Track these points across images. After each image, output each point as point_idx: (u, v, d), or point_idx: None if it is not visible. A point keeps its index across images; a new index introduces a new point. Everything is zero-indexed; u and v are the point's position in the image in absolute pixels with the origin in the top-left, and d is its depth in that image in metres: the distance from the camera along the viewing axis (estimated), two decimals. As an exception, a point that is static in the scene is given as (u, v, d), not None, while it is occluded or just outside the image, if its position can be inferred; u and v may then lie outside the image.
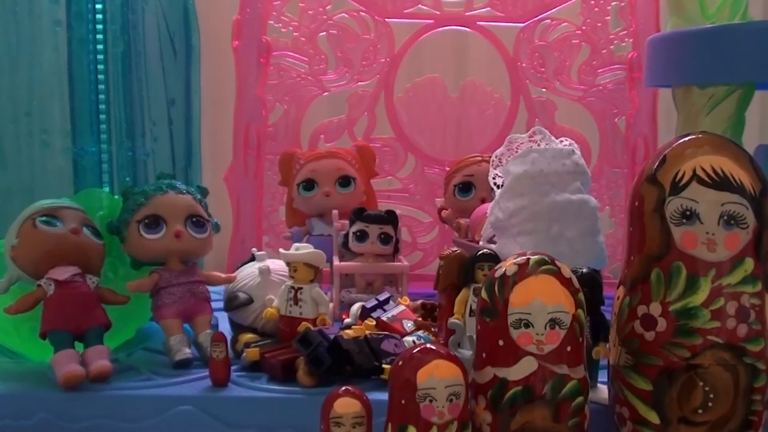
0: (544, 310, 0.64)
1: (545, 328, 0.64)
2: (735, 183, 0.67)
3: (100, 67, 1.26)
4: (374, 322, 0.89)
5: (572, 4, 1.33)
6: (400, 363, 0.65)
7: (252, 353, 0.85)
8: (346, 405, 0.65)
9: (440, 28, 1.34)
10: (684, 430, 0.67)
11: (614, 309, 0.72)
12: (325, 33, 1.32)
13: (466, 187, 1.19)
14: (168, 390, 0.80)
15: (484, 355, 0.67)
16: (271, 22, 1.31)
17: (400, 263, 1.09)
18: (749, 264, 0.67)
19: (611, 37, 1.34)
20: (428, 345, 0.66)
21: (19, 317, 0.85)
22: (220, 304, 0.97)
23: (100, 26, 1.25)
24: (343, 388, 0.67)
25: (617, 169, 1.36)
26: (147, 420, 0.78)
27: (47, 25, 1.24)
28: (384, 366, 0.80)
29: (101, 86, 1.26)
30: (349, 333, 0.84)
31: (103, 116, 1.27)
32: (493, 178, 1.03)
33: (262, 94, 1.31)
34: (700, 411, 0.67)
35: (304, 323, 0.86)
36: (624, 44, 1.34)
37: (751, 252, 0.67)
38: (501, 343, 0.65)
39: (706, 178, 0.66)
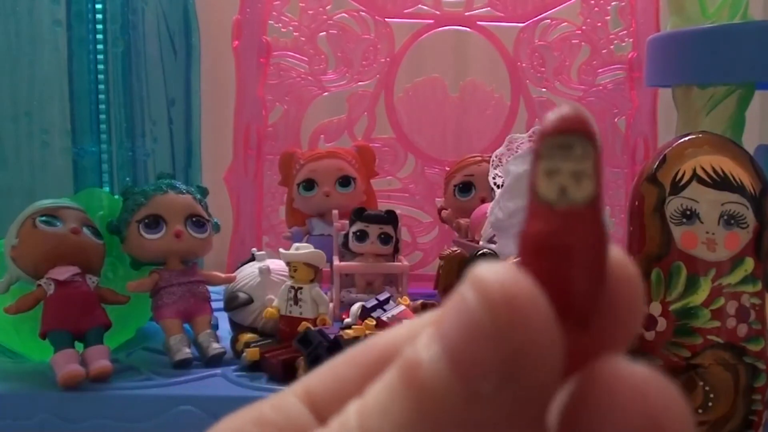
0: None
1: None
2: (735, 183, 0.67)
3: (100, 67, 1.25)
4: (374, 322, 0.89)
5: (572, 4, 1.33)
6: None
7: (252, 353, 0.85)
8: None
9: (440, 28, 1.34)
10: (684, 430, 0.67)
11: (614, 309, 0.72)
12: (325, 33, 1.32)
13: (466, 187, 1.19)
14: (168, 390, 0.80)
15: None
16: (271, 22, 1.30)
17: (400, 263, 1.09)
18: (749, 264, 0.67)
19: (611, 37, 1.34)
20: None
21: (19, 317, 0.84)
22: (220, 304, 0.97)
23: (100, 26, 1.25)
24: (343, 388, 0.67)
25: (617, 169, 1.36)
26: (147, 420, 0.78)
27: (47, 25, 1.24)
28: (384, 366, 0.80)
29: (101, 86, 1.26)
30: (349, 333, 0.84)
31: (103, 116, 1.27)
32: (493, 178, 1.03)
33: (262, 94, 1.31)
34: (700, 411, 0.67)
35: (304, 323, 0.86)
36: (624, 44, 1.34)
37: (751, 252, 0.67)
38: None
39: (706, 178, 0.66)
